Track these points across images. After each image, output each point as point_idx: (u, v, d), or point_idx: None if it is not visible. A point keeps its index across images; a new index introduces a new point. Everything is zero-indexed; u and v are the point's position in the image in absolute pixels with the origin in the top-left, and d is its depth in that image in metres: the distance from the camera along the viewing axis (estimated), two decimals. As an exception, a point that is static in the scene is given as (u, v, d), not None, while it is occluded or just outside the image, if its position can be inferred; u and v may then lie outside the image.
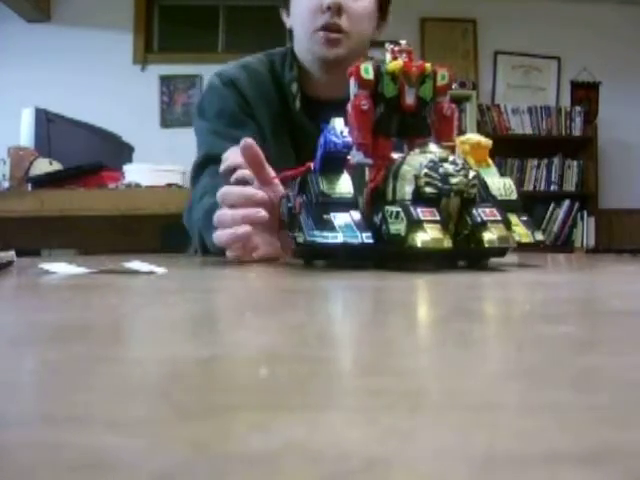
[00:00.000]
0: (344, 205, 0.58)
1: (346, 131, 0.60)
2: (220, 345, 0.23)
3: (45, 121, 2.02)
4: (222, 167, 0.83)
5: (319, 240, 0.56)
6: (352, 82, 0.64)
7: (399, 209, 0.55)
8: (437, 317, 0.31)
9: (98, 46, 3.91)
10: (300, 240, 0.60)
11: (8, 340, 0.25)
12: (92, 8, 3.97)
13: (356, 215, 0.57)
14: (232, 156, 0.85)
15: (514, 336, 0.25)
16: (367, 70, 0.63)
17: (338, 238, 0.55)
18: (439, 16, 4.11)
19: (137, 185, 1.81)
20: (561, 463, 0.11)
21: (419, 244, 0.52)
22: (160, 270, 0.55)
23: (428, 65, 0.64)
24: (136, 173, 1.87)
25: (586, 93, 4.21)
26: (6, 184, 1.85)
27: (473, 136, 0.67)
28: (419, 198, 0.56)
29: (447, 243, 0.53)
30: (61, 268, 0.56)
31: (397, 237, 0.54)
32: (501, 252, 0.60)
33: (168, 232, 1.82)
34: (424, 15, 4.10)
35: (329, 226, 0.56)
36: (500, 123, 4.04)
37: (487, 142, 0.66)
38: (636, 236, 3.93)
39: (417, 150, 0.59)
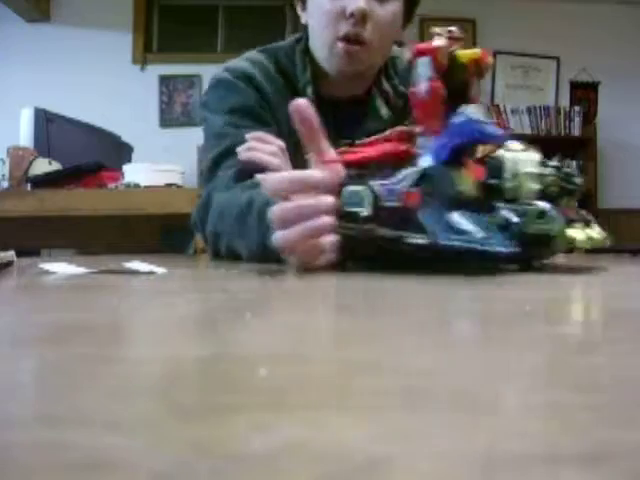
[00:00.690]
0: (469, 203, 0.53)
1: (488, 120, 0.55)
2: (220, 345, 0.23)
3: (44, 121, 2.02)
4: (243, 155, 0.75)
5: (466, 245, 0.49)
6: (425, 62, 0.57)
7: (546, 208, 0.53)
8: (446, 318, 0.31)
9: (97, 46, 3.92)
10: (420, 242, 0.51)
11: (8, 340, 0.25)
12: (92, 8, 3.97)
13: (484, 217, 0.52)
14: (258, 151, 0.76)
15: (514, 336, 0.25)
16: (444, 54, 0.58)
17: (491, 246, 0.49)
18: (439, 16, 4.10)
19: (136, 185, 1.81)
20: (562, 463, 0.11)
21: (579, 243, 0.51)
22: (160, 270, 0.55)
23: (490, 58, 0.60)
24: (135, 173, 1.87)
25: (585, 93, 4.21)
26: (5, 184, 1.85)
27: None
28: (544, 197, 0.54)
29: (602, 241, 0.53)
30: (61, 268, 0.56)
31: (544, 237, 0.52)
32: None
33: (168, 232, 1.82)
34: (424, 15, 4.10)
35: (466, 228, 0.50)
36: (499, 123, 4.04)
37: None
38: (635, 236, 3.93)
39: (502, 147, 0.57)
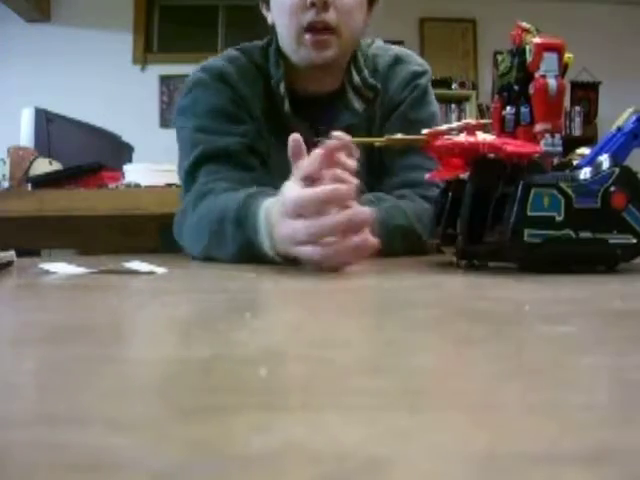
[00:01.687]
0: None
1: None
2: (220, 345, 0.23)
3: (45, 121, 2.02)
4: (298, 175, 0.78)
5: None
6: (553, 59, 0.56)
7: None
8: (441, 318, 0.31)
9: (98, 46, 3.92)
10: (632, 241, 0.52)
11: (8, 340, 0.25)
12: (92, 8, 3.97)
13: None
14: (308, 164, 0.79)
15: (514, 336, 0.25)
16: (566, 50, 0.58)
17: None
18: (439, 16, 4.11)
19: (137, 185, 1.81)
20: (561, 463, 0.11)
21: None
22: (160, 270, 0.55)
23: None
24: (136, 173, 1.86)
25: (586, 93, 4.21)
26: (6, 184, 1.85)
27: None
28: None
29: None
30: (61, 268, 0.56)
31: None
32: None
33: (168, 232, 1.82)
34: (424, 15, 4.10)
35: None
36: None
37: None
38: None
39: None
